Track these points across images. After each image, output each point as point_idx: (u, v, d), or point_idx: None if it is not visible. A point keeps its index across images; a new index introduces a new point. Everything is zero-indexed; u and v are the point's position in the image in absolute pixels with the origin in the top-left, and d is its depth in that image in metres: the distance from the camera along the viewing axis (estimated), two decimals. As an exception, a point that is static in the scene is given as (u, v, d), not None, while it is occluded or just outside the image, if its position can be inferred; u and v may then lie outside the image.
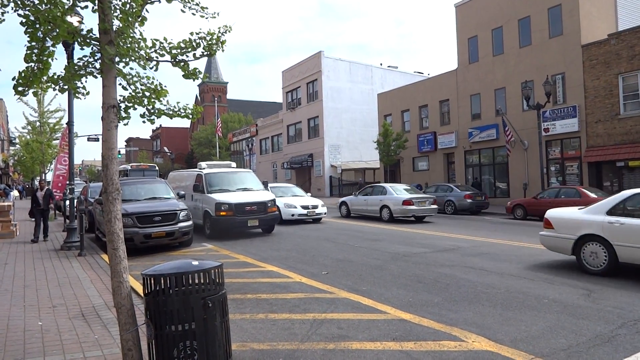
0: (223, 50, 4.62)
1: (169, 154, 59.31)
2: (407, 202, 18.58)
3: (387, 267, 9.40)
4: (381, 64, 49.16)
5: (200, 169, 16.58)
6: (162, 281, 3.67)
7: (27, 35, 3.78)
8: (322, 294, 7.32)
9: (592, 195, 18.40)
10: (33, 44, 3.83)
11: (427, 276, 8.44)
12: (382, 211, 19.41)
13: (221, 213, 14.03)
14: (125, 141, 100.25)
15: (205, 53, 4.53)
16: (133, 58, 4.08)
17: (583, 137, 23.47)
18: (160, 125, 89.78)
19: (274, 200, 15.18)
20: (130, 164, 31.66)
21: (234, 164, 18.68)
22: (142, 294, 3.97)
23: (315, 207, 18.77)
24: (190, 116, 4.65)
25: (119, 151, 73.51)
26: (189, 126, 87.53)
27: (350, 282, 8.07)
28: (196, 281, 3.71)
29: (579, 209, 9.36)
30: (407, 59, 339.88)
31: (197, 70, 4.54)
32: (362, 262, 10.01)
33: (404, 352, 4.83)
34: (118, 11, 3.91)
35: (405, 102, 35.60)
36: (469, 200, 22.69)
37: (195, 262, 3.87)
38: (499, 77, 27.94)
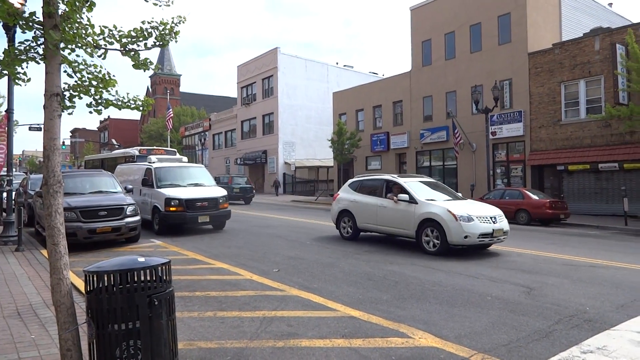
0: (176, 41, 4.49)
1: (117, 146, 57.25)
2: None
3: (338, 264, 9.47)
4: (337, 63, 49.56)
5: (149, 162, 16.10)
6: (106, 278, 3.52)
7: (-38, 15, 3.53)
8: (273, 291, 7.29)
9: (534, 196, 19.30)
10: (-32, 24, 3.59)
11: (376, 274, 8.57)
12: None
13: (171, 208, 13.69)
14: (71, 132, 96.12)
15: (157, 43, 4.38)
16: (79, 45, 3.89)
17: (527, 141, 24.54)
18: (109, 116, 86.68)
19: (225, 197, 14.95)
20: (140, 148, 24.10)
21: (185, 159, 18.27)
22: (84, 292, 3.80)
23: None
24: (141, 108, 4.49)
25: (64, 142, 70.42)
26: (139, 118, 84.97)
27: (301, 280, 8.08)
28: (142, 278, 3.58)
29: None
30: (356, 59, 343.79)
31: (148, 61, 4.38)
32: (313, 259, 10.04)
33: (352, 349, 4.88)
34: (64, -6, 3.72)
35: (359, 101, 36.00)
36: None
37: (142, 259, 3.73)
38: (451, 81, 28.74)
